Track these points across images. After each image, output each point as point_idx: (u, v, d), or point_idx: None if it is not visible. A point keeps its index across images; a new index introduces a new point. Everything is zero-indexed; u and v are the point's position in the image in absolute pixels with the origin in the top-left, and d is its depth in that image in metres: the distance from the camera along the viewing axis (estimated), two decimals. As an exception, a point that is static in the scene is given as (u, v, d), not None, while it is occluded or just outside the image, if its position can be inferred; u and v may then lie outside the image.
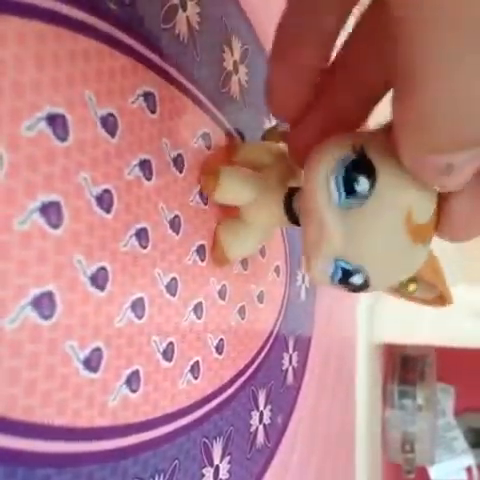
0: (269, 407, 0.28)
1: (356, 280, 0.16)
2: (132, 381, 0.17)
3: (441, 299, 0.20)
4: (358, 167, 0.15)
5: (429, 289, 0.19)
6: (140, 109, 0.17)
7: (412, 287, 0.19)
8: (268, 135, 0.24)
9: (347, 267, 0.15)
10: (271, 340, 0.28)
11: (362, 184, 0.14)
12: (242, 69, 0.25)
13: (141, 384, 0.17)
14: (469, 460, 0.91)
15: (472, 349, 0.66)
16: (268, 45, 0.20)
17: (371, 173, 0.14)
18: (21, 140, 0.12)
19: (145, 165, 0.17)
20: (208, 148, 0.22)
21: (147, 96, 0.17)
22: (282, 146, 0.22)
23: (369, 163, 0.15)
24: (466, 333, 0.64)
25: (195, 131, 0.21)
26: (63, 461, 0.13)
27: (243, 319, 0.25)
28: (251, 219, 0.21)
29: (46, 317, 0.13)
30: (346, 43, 0.17)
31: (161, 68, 0.18)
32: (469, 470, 0.91)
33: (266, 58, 0.23)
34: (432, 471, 0.89)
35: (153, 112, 0.18)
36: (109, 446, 0.15)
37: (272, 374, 0.28)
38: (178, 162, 0.19)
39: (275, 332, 0.29)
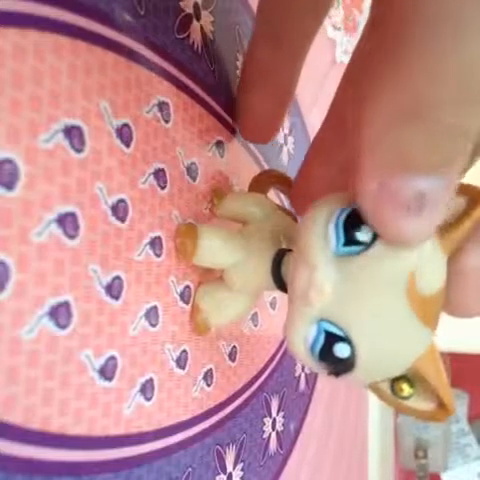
0: (282, 414, 0.28)
1: (340, 351, 0.13)
2: (146, 389, 0.17)
3: (441, 409, 0.15)
4: (360, 217, 0.13)
5: (426, 395, 0.15)
6: (155, 119, 0.17)
7: (407, 390, 0.15)
8: (256, 184, 0.22)
9: (332, 330, 0.13)
10: (283, 347, 0.28)
11: (364, 232, 0.13)
12: (255, 77, 0.25)
13: (155, 392, 0.17)
14: (483, 466, 0.90)
15: (486, 355, 0.65)
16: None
17: None
18: (38, 152, 0.12)
19: (159, 174, 0.18)
20: (221, 156, 0.22)
21: (161, 105, 0.18)
22: (270, 199, 0.21)
23: None
24: (480, 339, 0.63)
25: (209, 139, 0.21)
26: (79, 470, 0.14)
27: (256, 326, 0.25)
28: (235, 286, 0.19)
29: (62, 327, 0.13)
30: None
31: (175, 77, 0.18)
32: (483, 477, 0.90)
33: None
34: (445, 477, 0.89)
35: (167, 121, 0.18)
36: (123, 454, 0.16)
37: (285, 381, 0.28)
38: (192, 170, 0.20)
39: (288, 338, 0.29)
